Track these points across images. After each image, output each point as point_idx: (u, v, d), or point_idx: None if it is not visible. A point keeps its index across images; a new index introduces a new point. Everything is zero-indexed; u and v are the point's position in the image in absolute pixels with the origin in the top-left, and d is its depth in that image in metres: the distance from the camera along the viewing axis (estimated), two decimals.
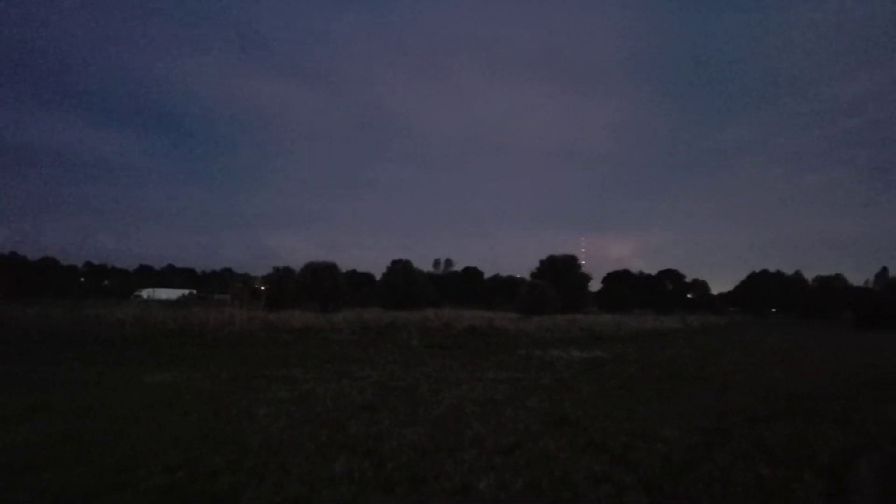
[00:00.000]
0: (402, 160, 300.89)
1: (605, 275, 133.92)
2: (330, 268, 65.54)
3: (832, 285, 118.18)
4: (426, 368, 16.68)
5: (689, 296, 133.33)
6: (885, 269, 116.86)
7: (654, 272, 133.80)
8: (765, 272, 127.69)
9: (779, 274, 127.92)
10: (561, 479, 6.61)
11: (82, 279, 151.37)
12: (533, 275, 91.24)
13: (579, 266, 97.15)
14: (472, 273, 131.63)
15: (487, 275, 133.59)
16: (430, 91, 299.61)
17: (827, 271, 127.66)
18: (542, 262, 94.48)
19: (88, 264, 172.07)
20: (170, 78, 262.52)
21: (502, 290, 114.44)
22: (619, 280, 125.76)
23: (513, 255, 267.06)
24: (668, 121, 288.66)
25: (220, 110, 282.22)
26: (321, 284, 61.96)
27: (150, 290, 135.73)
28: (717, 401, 12.30)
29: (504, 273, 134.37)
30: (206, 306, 46.33)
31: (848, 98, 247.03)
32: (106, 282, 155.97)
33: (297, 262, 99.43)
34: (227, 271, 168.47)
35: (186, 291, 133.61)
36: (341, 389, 12.48)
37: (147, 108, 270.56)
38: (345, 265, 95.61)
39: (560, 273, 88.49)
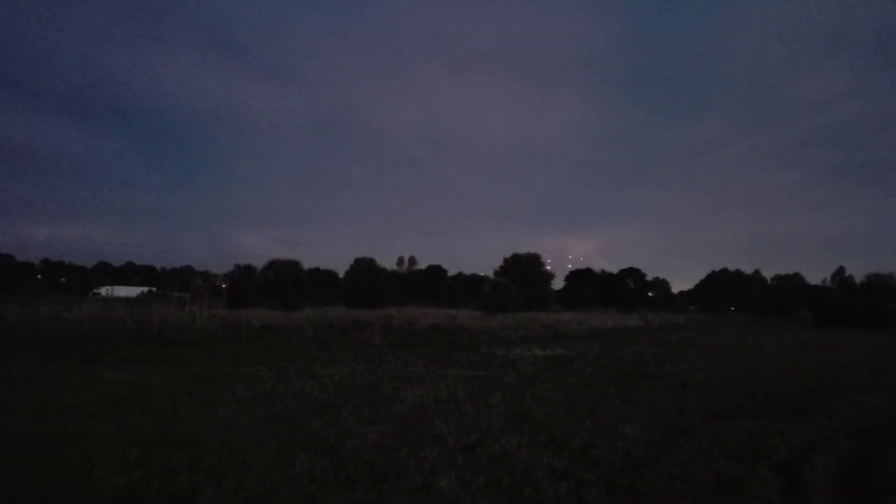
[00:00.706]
0: (366, 158, 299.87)
1: (567, 273, 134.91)
2: (292, 266, 65.12)
3: (790, 284, 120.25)
4: (389, 367, 16.64)
5: (650, 294, 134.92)
6: (841, 268, 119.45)
7: (616, 271, 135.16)
8: (724, 271, 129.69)
9: (738, 273, 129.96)
10: (522, 476, 6.65)
11: (39, 276, 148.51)
12: (497, 273, 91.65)
13: (543, 264, 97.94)
14: (435, 271, 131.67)
15: (451, 273, 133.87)
16: (394, 89, 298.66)
17: (785, 270, 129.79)
18: (505, 261, 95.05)
19: (45, 261, 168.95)
20: (131, 74, 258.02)
21: (466, 288, 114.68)
22: (582, 278, 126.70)
23: (477, 254, 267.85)
24: (631, 120, 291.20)
25: (182, 106, 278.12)
26: (283, 282, 61.53)
27: (109, 287, 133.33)
28: (676, 398, 12.46)
29: (468, 271, 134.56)
30: (166, 304, 45.74)
31: (809, 99, 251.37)
32: (63, 279, 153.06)
33: (259, 260, 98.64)
34: (188, 269, 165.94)
35: (146, 289, 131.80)
36: (303, 388, 12.41)
37: (107, 103, 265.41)
38: (308, 263, 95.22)
39: (524, 271, 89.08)
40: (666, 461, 7.39)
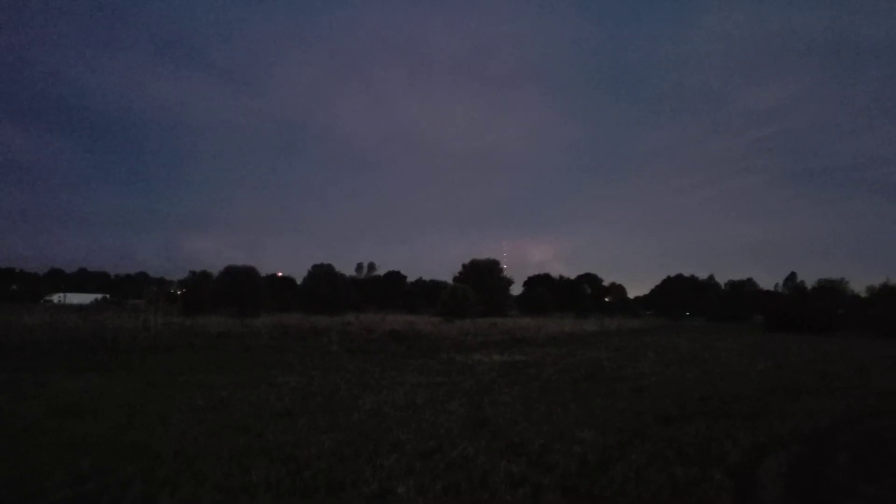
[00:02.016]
0: (324, 163, 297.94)
1: (526, 278, 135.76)
2: (249, 272, 64.61)
3: (743, 289, 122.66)
4: (347, 374, 16.57)
5: (606, 299, 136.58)
6: (793, 274, 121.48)
7: (573, 276, 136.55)
8: (679, 276, 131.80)
9: (693, 278, 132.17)
10: (479, 481, 6.68)
11: None
12: (455, 279, 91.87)
13: (501, 270, 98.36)
14: (394, 277, 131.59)
15: (410, 279, 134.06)
16: (351, 93, 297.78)
17: (738, 276, 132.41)
18: (464, 266, 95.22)
19: None
20: (81, 76, 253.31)
21: (425, 293, 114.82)
22: (540, 284, 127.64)
23: (436, 259, 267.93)
24: (585, 127, 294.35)
25: (135, 110, 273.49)
26: (240, 289, 60.95)
27: (62, 294, 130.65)
28: (632, 402, 12.61)
29: (427, 277, 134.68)
30: (120, 311, 44.95)
31: (759, 109, 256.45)
32: (14, 286, 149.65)
33: (215, 267, 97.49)
34: (142, 275, 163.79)
35: (100, 296, 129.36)
36: (259, 396, 12.30)
37: (57, 106, 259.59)
38: (265, 269, 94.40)
39: (482, 277, 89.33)
40: (621, 465, 7.48)
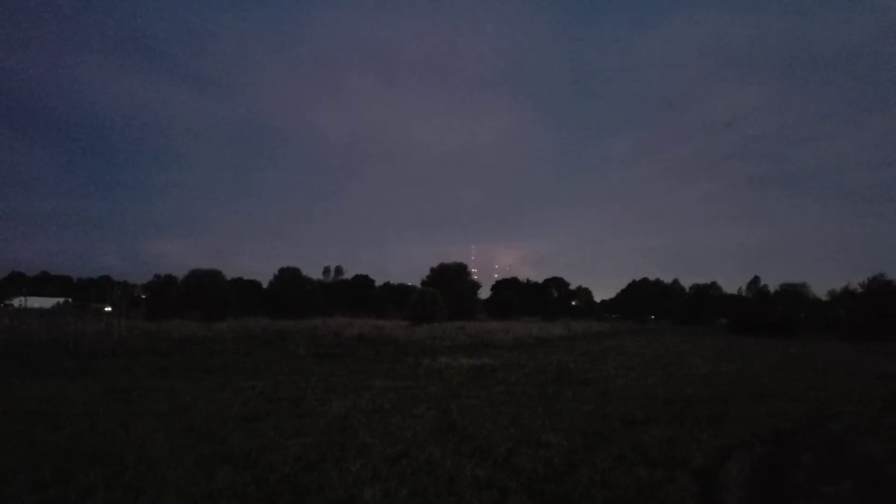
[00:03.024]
0: (292, 166, 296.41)
1: (494, 282, 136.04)
2: (214, 275, 64.03)
3: (707, 293, 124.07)
4: (313, 378, 16.48)
5: (573, 303, 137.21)
6: (756, 278, 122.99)
7: (541, 280, 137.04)
8: (645, 280, 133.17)
9: (658, 282, 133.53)
10: (446, 485, 6.69)
11: None
12: (424, 282, 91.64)
13: (469, 274, 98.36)
14: (362, 280, 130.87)
15: (378, 282, 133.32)
16: (321, 96, 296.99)
17: (703, 279, 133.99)
18: (432, 270, 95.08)
19: None
20: (44, 77, 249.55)
21: (393, 297, 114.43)
22: (508, 287, 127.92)
23: (404, 263, 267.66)
24: (553, 132, 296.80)
25: (99, 112, 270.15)
26: (205, 293, 60.36)
27: (22, 298, 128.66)
28: (598, 405, 12.70)
29: (395, 281, 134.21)
30: (82, 315, 44.28)
31: (723, 114, 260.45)
32: None
33: (180, 270, 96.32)
34: (106, 279, 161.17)
35: (62, 300, 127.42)
36: (224, 401, 12.21)
37: (18, 106, 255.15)
38: (231, 273, 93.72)
39: (451, 281, 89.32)
40: (587, 468, 7.53)
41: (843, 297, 64.32)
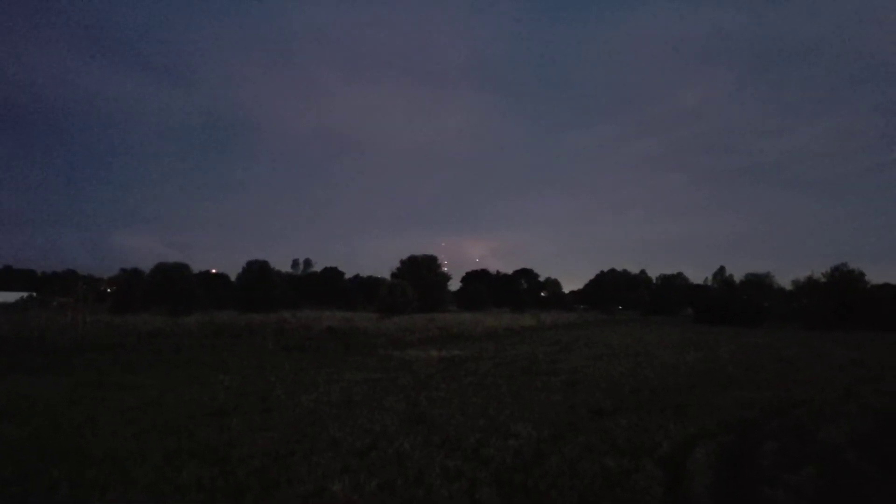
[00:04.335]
0: (259, 158, 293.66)
1: (464, 274, 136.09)
2: (181, 269, 63.46)
3: (674, 283, 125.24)
4: (282, 372, 16.41)
5: (542, 294, 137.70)
6: (722, 268, 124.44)
7: (510, 271, 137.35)
8: (612, 271, 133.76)
9: (625, 272, 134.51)
10: (415, 477, 6.71)
11: None
12: (393, 275, 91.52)
13: (439, 266, 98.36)
14: (331, 273, 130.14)
15: (348, 275, 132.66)
16: (287, 89, 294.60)
17: (669, 270, 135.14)
18: (402, 262, 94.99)
19: None
20: (4, 69, 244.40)
21: (363, 290, 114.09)
22: (478, 279, 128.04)
23: (374, 256, 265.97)
24: (523, 123, 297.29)
25: (64, 104, 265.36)
26: (172, 287, 59.77)
27: None
28: (566, 395, 12.80)
29: (365, 273, 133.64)
30: (47, 310, 43.62)
31: (687, 107, 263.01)
32: None
33: (146, 264, 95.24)
34: (71, 273, 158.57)
35: (25, 294, 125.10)
36: (192, 396, 12.12)
37: None
38: (198, 266, 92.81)
39: (420, 273, 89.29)
40: (555, 458, 7.59)
41: (807, 287, 65.16)
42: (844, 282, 60.19)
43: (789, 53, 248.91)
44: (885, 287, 62.97)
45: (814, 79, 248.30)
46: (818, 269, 74.20)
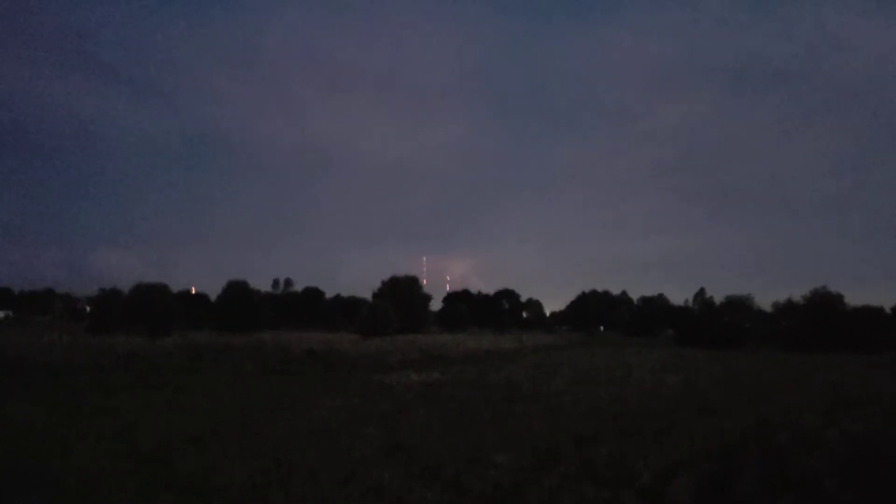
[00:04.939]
0: (239, 176, 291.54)
1: (445, 294, 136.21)
2: (160, 289, 62.92)
3: (655, 305, 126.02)
4: (261, 396, 16.30)
5: (524, 315, 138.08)
6: (702, 290, 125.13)
7: (492, 292, 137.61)
8: (594, 292, 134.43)
9: (607, 294, 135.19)
10: None
11: None
12: (375, 295, 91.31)
13: (420, 286, 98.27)
14: (312, 293, 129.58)
15: (329, 294, 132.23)
16: (268, 106, 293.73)
17: (650, 291, 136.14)
18: (383, 283, 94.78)
19: None
20: None
21: (344, 310, 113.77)
22: (459, 299, 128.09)
23: (355, 274, 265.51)
24: (503, 141, 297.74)
25: (41, 120, 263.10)
26: (151, 307, 59.24)
27: None
28: (547, 422, 12.75)
29: (346, 293, 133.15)
30: (23, 329, 43.14)
31: (668, 127, 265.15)
32: None
33: (126, 282, 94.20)
34: (49, 292, 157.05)
35: (2, 313, 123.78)
36: (169, 420, 11.99)
37: None
38: (178, 285, 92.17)
39: (402, 293, 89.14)
40: (535, 488, 7.54)
41: (787, 309, 65.67)
42: (823, 304, 60.73)
43: (763, 76, 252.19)
44: (864, 310, 63.63)
45: (786, 101, 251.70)
46: (798, 290, 74.91)
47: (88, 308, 70.33)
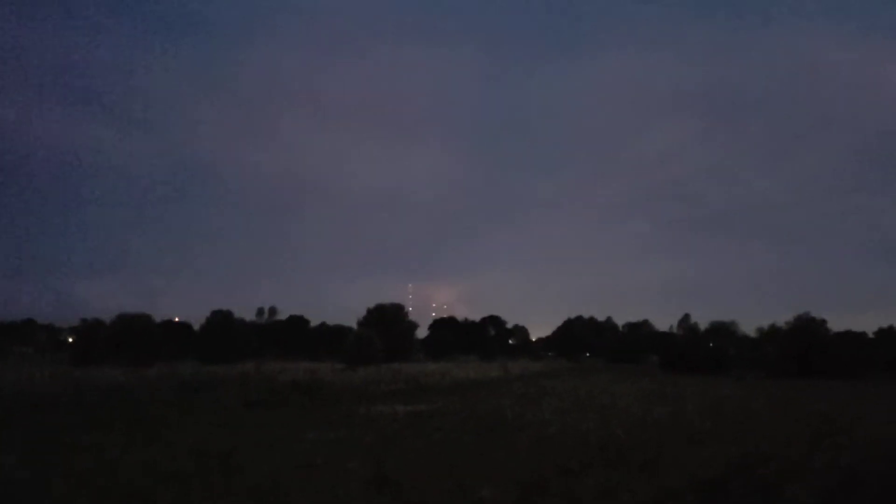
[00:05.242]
0: (224, 205, 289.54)
1: (431, 321, 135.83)
2: (143, 320, 62.57)
3: (640, 331, 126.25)
4: (244, 429, 16.14)
5: (510, 341, 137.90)
6: (687, 316, 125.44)
7: (478, 318, 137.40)
8: (579, 318, 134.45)
9: (592, 320, 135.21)
10: None
11: None
12: (360, 323, 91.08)
13: (406, 314, 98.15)
14: (297, 321, 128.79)
15: (314, 322, 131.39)
16: (253, 134, 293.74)
17: (635, 317, 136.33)
18: (369, 311, 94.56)
19: None
20: None
21: (329, 338, 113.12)
22: (445, 327, 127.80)
23: (341, 301, 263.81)
24: (488, 169, 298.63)
25: (21, 149, 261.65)
26: (133, 338, 58.85)
27: None
28: (533, 453, 12.70)
29: (332, 321, 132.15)
30: (4, 361, 42.71)
31: (649, 155, 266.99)
32: None
33: (109, 312, 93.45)
34: (30, 322, 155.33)
35: None
36: (151, 456, 11.84)
37: None
38: (161, 313, 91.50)
39: (388, 321, 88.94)
40: None
41: (771, 335, 65.97)
42: (807, 330, 61.06)
43: (746, 103, 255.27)
44: (846, 335, 64.13)
45: (768, 128, 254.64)
46: (781, 316, 75.28)
47: (71, 339, 69.59)
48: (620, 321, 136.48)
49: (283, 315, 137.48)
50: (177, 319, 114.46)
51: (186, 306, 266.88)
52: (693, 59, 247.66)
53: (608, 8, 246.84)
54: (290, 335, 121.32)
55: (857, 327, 72.40)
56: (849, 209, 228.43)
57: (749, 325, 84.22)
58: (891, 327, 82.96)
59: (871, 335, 78.27)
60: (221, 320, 77.48)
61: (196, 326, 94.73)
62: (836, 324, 67.10)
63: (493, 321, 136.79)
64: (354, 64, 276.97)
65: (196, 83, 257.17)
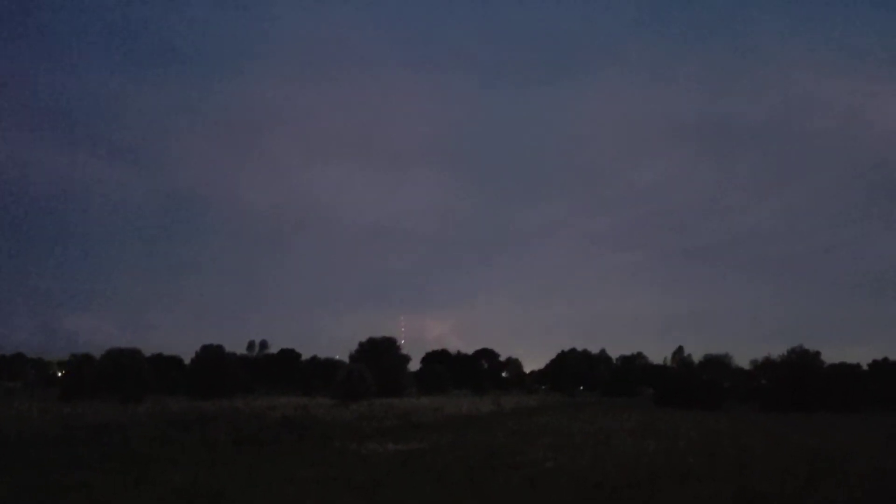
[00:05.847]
0: (214, 237, 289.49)
1: (424, 354, 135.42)
2: (133, 355, 62.13)
3: (633, 363, 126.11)
4: (234, 469, 15.94)
5: (503, 374, 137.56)
6: (680, 348, 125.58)
7: (471, 351, 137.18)
8: (573, 351, 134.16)
9: (585, 352, 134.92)
10: None
11: None
12: (352, 357, 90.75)
13: (398, 348, 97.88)
14: (288, 355, 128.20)
15: (305, 356, 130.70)
16: (246, 166, 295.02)
17: (629, 350, 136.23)
18: (361, 345, 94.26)
19: None
20: None
21: (321, 372, 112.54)
22: (438, 360, 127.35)
23: (332, 334, 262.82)
24: (480, 202, 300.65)
25: (14, 183, 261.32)
26: (123, 373, 58.39)
27: None
28: (527, 493, 12.60)
29: (323, 354, 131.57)
30: None
31: (641, 186, 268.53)
32: None
33: (98, 345, 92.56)
34: (19, 356, 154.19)
35: None
36: (139, 498, 11.68)
37: None
38: (151, 347, 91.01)
39: (379, 355, 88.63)
40: None
41: (765, 367, 65.97)
42: (801, 362, 61.07)
43: (738, 134, 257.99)
44: (840, 367, 64.13)
45: (759, 160, 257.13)
46: (776, 348, 75.39)
47: (60, 373, 69.20)
48: (614, 353, 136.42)
49: (274, 349, 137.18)
50: (167, 354, 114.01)
51: (177, 340, 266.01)
52: (686, 91, 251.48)
53: (601, 39, 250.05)
54: (282, 369, 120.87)
55: (850, 359, 72.44)
56: (842, 240, 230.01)
57: (743, 358, 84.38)
58: (885, 359, 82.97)
59: (864, 367, 78.23)
60: (212, 354, 77.04)
61: (186, 360, 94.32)
62: (830, 356, 67.16)
63: (486, 354, 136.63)
64: (345, 94, 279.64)
65: (188, 115, 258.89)
